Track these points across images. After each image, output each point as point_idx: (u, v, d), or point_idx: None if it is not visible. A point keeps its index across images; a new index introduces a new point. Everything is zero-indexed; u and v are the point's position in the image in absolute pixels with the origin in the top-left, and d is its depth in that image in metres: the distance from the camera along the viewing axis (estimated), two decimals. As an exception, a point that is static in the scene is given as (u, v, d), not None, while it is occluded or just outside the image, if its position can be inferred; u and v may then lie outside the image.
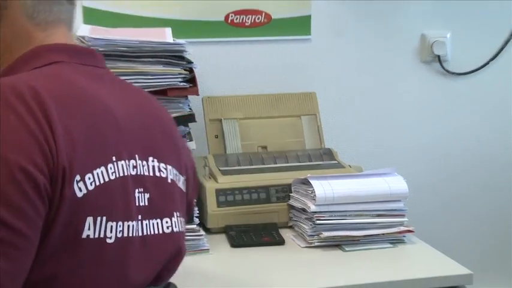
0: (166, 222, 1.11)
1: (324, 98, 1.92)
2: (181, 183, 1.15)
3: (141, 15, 1.85)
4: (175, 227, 1.12)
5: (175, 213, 1.13)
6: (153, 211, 1.09)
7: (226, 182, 1.68)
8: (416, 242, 1.65)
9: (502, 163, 2.19)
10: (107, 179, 0.99)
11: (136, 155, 1.08)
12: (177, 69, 1.59)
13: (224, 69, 1.92)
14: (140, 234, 1.06)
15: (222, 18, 1.89)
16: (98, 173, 0.98)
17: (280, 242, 1.58)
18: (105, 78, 1.13)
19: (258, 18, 1.92)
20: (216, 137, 1.85)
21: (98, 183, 0.98)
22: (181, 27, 1.83)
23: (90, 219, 0.97)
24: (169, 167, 1.14)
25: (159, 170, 1.12)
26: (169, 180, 1.11)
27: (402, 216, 1.61)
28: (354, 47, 2.03)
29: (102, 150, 1.01)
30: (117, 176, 1.02)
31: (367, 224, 1.58)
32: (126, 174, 1.03)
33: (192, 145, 1.66)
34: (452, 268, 1.49)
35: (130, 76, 1.57)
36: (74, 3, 1.18)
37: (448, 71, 2.03)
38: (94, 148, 0.99)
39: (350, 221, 1.58)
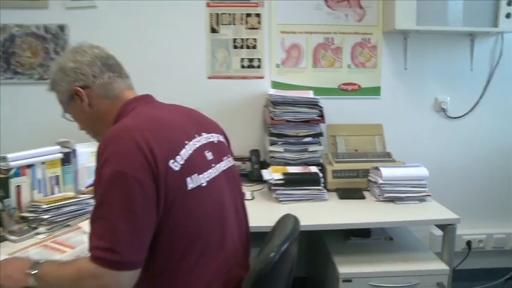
0: (225, 161, 1.51)
1: (386, 127, 2.76)
2: (222, 138, 1.56)
3: (299, 84, 2.75)
4: (230, 162, 1.54)
5: (226, 156, 1.53)
6: (216, 159, 1.47)
7: (337, 166, 2.45)
8: (431, 201, 2.27)
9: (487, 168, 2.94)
10: (188, 154, 1.35)
11: (196, 134, 1.44)
12: (315, 110, 2.47)
13: (336, 112, 2.73)
14: (217, 173, 1.44)
15: (336, 86, 2.80)
16: (181, 153, 1.33)
17: (363, 197, 2.30)
18: (160, 106, 1.53)
19: (354, 86, 2.80)
20: (333, 144, 2.65)
21: (185, 158, 1.33)
22: (317, 90, 2.72)
23: (188, 179, 1.33)
24: (213, 134, 1.52)
25: (209, 138, 1.49)
26: (215, 141, 1.51)
27: (424, 187, 2.27)
28: (396, 102, 2.85)
29: (178, 141, 1.36)
30: (192, 150, 1.37)
31: (407, 190, 2.24)
32: (196, 147, 1.40)
33: (320, 147, 2.48)
34: (447, 213, 2.12)
35: (292, 113, 2.44)
36: (123, 77, 1.55)
37: (448, 116, 2.91)
38: (173, 142, 1.34)
39: (398, 188, 2.24)
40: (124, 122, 1.38)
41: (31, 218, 1.93)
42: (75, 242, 1.80)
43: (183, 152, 1.33)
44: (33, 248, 1.76)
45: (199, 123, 1.51)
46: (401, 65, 2.80)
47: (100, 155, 1.27)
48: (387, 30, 2.70)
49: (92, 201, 2.01)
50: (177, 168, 1.29)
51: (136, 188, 1.21)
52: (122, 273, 1.23)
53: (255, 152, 2.66)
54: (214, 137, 1.51)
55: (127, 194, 1.22)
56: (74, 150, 2.23)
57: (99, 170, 1.26)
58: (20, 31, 2.76)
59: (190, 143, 1.38)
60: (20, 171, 1.98)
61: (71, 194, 2.14)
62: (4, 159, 1.94)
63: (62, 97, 1.56)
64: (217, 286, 1.38)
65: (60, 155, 2.15)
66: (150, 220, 1.25)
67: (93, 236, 1.25)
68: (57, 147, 2.16)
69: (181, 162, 1.31)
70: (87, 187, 2.27)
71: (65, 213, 1.97)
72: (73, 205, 2.01)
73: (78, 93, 1.49)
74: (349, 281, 1.99)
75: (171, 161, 1.29)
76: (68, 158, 2.19)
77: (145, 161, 1.24)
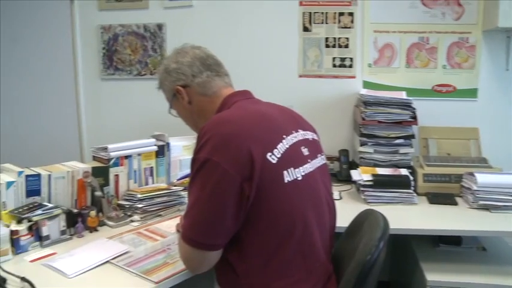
0: (319, 158, 1.54)
1: (482, 131, 2.62)
2: (315, 137, 1.58)
3: (391, 85, 2.70)
4: (323, 160, 1.56)
5: (320, 153, 1.55)
6: (311, 155, 1.48)
7: (428, 169, 2.36)
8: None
9: None
10: (285, 148, 1.37)
11: (293, 130, 1.46)
12: (407, 112, 2.41)
13: (429, 114, 2.64)
14: (312, 169, 1.46)
15: (430, 87, 2.73)
16: (279, 147, 1.36)
17: (455, 203, 2.19)
18: (258, 101, 1.57)
19: (449, 88, 2.73)
20: (424, 146, 2.58)
21: (281, 152, 1.36)
22: (409, 91, 2.64)
23: (285, 172, 1.36)
24: (308, 132, 1.54)
25: (305, 135, 1.50)
26: (310, 139, 1.53)
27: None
28: (494, 105, 2.69)
29: (276, 135, 1.39)
30: (289, 144, 1.40)
31: (505, 199, 2.11)
32: (292, 142, 1.42)
33: (411, 149, 2.41)
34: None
35: (384, 114, 2.40)
36: (221, 75, 1.61)
37: None
38: (271, 135, 1.37)
39: (495, 196, 2.12)
40: (225, 113, 1.45)
41: (127, 206, 2.03)
42: (166, 232, 1.88)
43: (280, 145, 1.36)
44: (128, 234, 1.86)
45: (296, 120, 1.55)
46: (502, 66, 2.65)
47: (198, 142, 1.35)
48: (488, 28, 2.57)
49: (183, 194, 2.15)
50: (274, 161, 1.32)
51: (221, 178, 1.27)
52: (201, 252, 1.35)
53: (344, 152, 2.64)
54: (309, 135, 1.53)
55: (211, 182, 1.28)
56: (168, 144, 2.32)
57: (195, 155, 1.34)
58: (122, 30, 2.93)
59: (288, 137, 1.41)
60: (118, 161, 2.09)
61: (164, 185, 2.22)
62: (105, 149, 2.06)
63: (167, 95, 1.68)
64: (310, 278, 1.40)
65: (155, 148, 2.24)
66: (229, 209, 1.29)
67: (184, 213, 1.39)
68: (153, 140, 2.25)
69: (278, 156, 1.34)
70: (178, 179, 2.35)
71: (158, 204, 2.06)
72: (165, 196, 2.09)
73: (179, 92, 1.60)
74: (437, 289, 1.94)
75: (269, 153, 1.32)
76: (162, 151, 2.28)
77: (238, 154, 1.28)
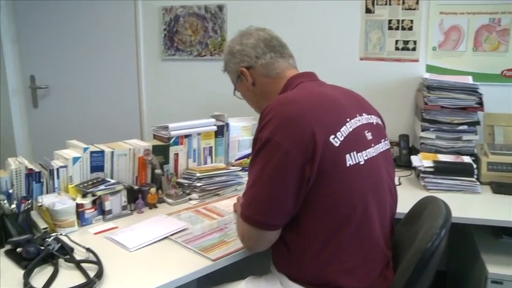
0: (383, 143, 1.51)
1: None
2: (379, 121, 1.56)
3: (456, 69, 2.62)
4: (387, 145, 1.54)
5: (384, 138, 1.53)
6: (375, 140, 1.46)
7: (493, 158, 2.26)
8: None
9: None
10: (348, 132, 1.36)
11: (357, 114, 1.44)
12: (473, 97, 2.33)
13: (497, 101, 2.52)
14: (375, 153, 1.44)
15: (499, 72, 2.60)
16: (342, 130, 1.35)
17: None
18: (323, 83, 1.56)
19: None
20: (490, 134, 2.48)
21: (345, 135, 1.35)
22: (476, 76, 2.55)
23: (347, 156, 1.34)
24: (372, 116, 1.52)
25: (369, 119, 1.49)
26: (374, 123, 1.51)
27: None
28: None
29: (340, 118, 1.37)
30: (352, 128, 1.38)
31: None
32: (356, 125, 1.40)
33: (476, 137, 2.32)
34: None
35: (448, 99, 2.32)
36: (285, 57, 1.61)
37: None
38: (335, 118, 1.36)
39: None
40: (289, 94, 1.45)
41: (185, 184, 2.06)
42: (223, 210, 1.90)
43: (343, 128, 1.35)
44: (186, 211, 1.89)
45: (360, 103, 1.53)
46: None
47: (260, 121, 1.35)
48: None
49: (241, 174, 2.16)
50: (336, 144, 1.31)
51: (283, 159, 1.26)
52: (260, 231, 1.36)
53: (404, 137, 2.58)
54: (374, 119, 1.51)
55: (273, 162, 1.28)
56: (227, 124, 2.33)
57: (257, 134, 1.34)
58: (183, 11, 2.97)
59: (352, 121, 1.39)
60: (178, 140, 2.12)
61: (222, 165, 2.24)
62: (166, 128, 2.10)
63: (232, 77, 1.70)
64: (366, 265, 1.39)
65: (214, 128, 2.26)
66: (289, 190, 1.29)
67: (245, 192, 1.40)
68: (212, 120, 2.27)
69: (341, 139, 1.32)
70: (236, 160, 2.37)
71: (216, 183, 2.08)
72: (223, 176, 2.10)
73: (243, 74, 1.61)
74: (499, 283, 1.85)
75: (332, 136, 1.31)
76: (221, 131, 2.29)
77: (301, 135, 1.27)
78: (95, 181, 1.82)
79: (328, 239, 1.33)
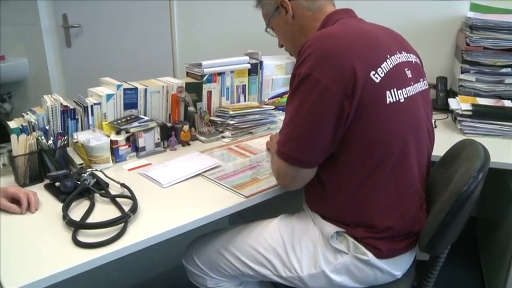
0: (421, 82, 1.49)
1: None
2: (418, 61, 1.53)
3: (504, 7, 2.44)
4: (425, 85, 1.51)
5: (422, 78, 1.50)
6: (414, 78, 1.44)
7: None
8: None
9: None
10: (388, 68, 1.33)
11: (397, 51, 1.42)
12: None
13: None
14: (414, 92, 1.42)
15: None
16: (382, 66, 1.32)
17: None
18: (362, 20, 1.52)
19: None
20: None
21: (385, 71, 1.32)
22: None
23: (388, 92, 1.32)
24: (411, 55, 1.49)
25: (408, 57, 1.46)
26: (413, 62, 1.48)
27: None
28: None
29: (380, 54, 1.34)
30: (393, 65, 1.35)
31: None
32: (396, 62, 1.37)
33: None
34: None
35: (492, 39, 2.21)
36: None
37: None
38: (375, 54, 1.33)
39: None
40: (329, 29, 1.40)
41: (219, 122, 2.06)
42: (256, 149, 1.90)
43: (384, 65, 1.31)
44: (219, 149, 1.90)
45: (399, 41, 1.48)
46: None
47: (299, 56, 1.31)
48: None
49: (274, 113, 2.15)
50: (377, 81, 1.28)
51: (322, 95, 1.23)
52: (296, 169, 1.34)
53: (442, 79, 2.49)
54: (413, 58, 1.47)
55: (311, 98, 1.25)
56: (261, 62, 2.30)
57: (295, 71, 1.30)
58: None
59: (392, 57, 1.36)
60: (211, 77, 2.10)
61: (255, 103, 2.23)
62: (199, 66, 2.07)
63: (267, 10, 1.62)
64: (401, 205, 1.38)
65: (248, 65, 2.23)
66: (327, 127, 1.26)
67: (281, 129, 1.38)
68: (246, 58, 2.24)
69: (382, 75, 1.29)
70: (270, 99, 2.35)
71: (249, 121, 2.07)
72: (256, 114, 2.09)
73: (284, 4, 1.54)
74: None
75: (372, 72, 1.28)
76: (254, 69, 2.26)
77: (341, 70, 1.24)
78: (128, 118, 1.82)
79: (364, 179, 1.32)
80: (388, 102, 1.30)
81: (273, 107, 2.20)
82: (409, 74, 1.40)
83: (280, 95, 2.38)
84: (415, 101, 1.39)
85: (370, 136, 1.29)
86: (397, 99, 1.32)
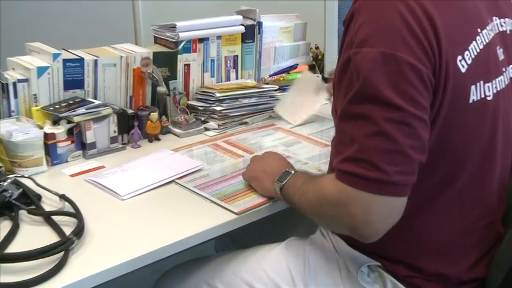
0: None
1: None
2: None
3: None
4: None
5: None
6: (507, 60, 1.40)
7: None
8: None
9: None
10: (478, 50, 1.28)
11: (489, 19, 1.36)
12: None
13: None
14: (507, 82, 1.38)
15: None
16: (471, 48, 1.27)
17: None
18: None
19: None
20: None
21: (473, 55, 1.27)
22: None
23: (473, 87, 1.27)
24: (506, 20, 1.42)
25: (501, 25, 1.40)
26: (508, 31, 1.42)
27: None
28: None
29: (470, 28, 1.29)
30: (483, 44, 1.30)
31: None
32: (488, 39, 1.32)
33: None
34: None
35: None
36: None
37: None
38: (464, 28, 1.28)
39: None
40: None
41: (200, 108, 2.06)
42: (254, 145, 1.90)
43: (473, 45, 1.25)
44: (201, 146, 1.90)
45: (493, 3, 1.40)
46: None
47: (351, 30, 1.24)
48: None
49: (277, 95, 2.15)
50: (463, 70, 1.22)
51: (411, 75, 1.17)
52: (379, 199, 1.19)
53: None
54: (508, 24, 1.41)
55: (398, 82, 1.17)
56: (259, 24, 2.29)
57: (350, 51, 1.22)
58: None
59: (483, 32, 1.30)
60: (190, 45, 2.09)
61: (251, 82, 2.22)
62: (172, 28, 2.06)
63: None
64: (467, 242, 1.37)
65: (241, 28, 2.21)
66: (425, 122, 1.19)
67: (340, 143, 1.25)
68: (238, 18, 2.23)
69: (469, 62, 1.23)
70: (271, 75, 2.33)
71: (243, 107, 2.07)
72: (253, 97, 2.09)
73: None
74: None
75: (459, 57, 1.22)
76: (250, 33, 2.25)
77: (424, 42, 1.17)
78: (71, 102, 1.80)
79: (418, 204, 1.27)
80: (471, 101, 1.24)
81: (276, 87, 2.19)
82: (501, 54, 1.34)
83: (287, 70, 2.35)
84: (506, 96, 1.34)
85: (437, 147, 1.24)
86: (483, 95, 1.27)
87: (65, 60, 1.83)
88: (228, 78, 2.25)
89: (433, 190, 1.29)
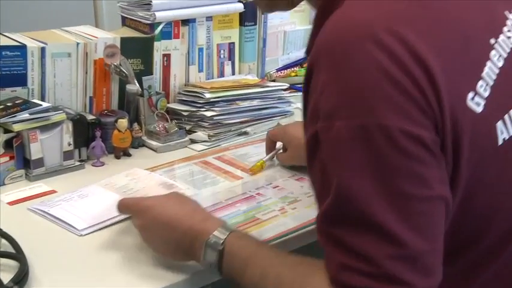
0: None
1: None
2: None
3: None
4: None
5: None
6: None
7: None
8: None
9: None
10: (496, 71, 1.25)
11: (506, 20, 1.34)
12: None
13: None
14: None
15: None
16: (486, 74, 1.23)
17: None
18: None
19: None
20: None
21: (491, 82, 1.23)
22: None
23: (498, 124, 1.24)
24: None
25: None
26: None
27: None
28: None
29: (479, 50, 1.26)
30: (504, 57, 1.28)
31: None
32: (506, 52, 1.29)
33: None
34: None
35: None
36: None
37: None
38: (472, 57, 1.24)
39: None
40: (351, 11, 1.23)
41: (185, 113, 2.07)
42: (255, 163, 1.90)
43: (488, 69, 1.20)
44: (185, 163, 1.92)
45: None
46: None
47: (312, 91, 1.19)
48: None
49: (287, 96, 2.13)
50: (479, 109, 1.17)
51: (411, 149, 1.11)
52: None
53: None
54: None
55: (397, 163, 1.11)
56: (261, 1, 2.32)
57: (317, 125, 1.17)
58: None
59: (500, 39, 1.26)
60: (170, 29, 2.12)
61: (253, 79, 2.24)
62: (147, 6, 2.07)
63: None
64: None
65: (239, 6, 2.24)
66: (442, 203, 1.16)
67: (333, 244, 1.18)
68: (235, -6, 2.27)
69: (486, 94, 1.18)
70: (279, 69, 2.37)
71: (241, 112, 2.08)
72: (256, 99, 2.10)
73: None
74: None
75: (470, 94, 1.16)
76: (251, 13, 2.28)
77: (416, 97, 1.10)
78: (9, 104, 1.79)
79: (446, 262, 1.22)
80: (501, 141, 1.21)
81: (286, 85, 2.20)
82: None
83: (300, 63, 2.39)
84: None
85: (471, 211, 1.22)
86: None
87: (1, 48, 1.82)
88: (221, 74, 2.26)
89: (463, 242, 1.26)
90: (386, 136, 1.09)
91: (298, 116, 2.17)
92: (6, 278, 1.32)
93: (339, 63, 1.14)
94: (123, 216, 1.57)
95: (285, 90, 2.18)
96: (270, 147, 1.94)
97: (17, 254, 1.40)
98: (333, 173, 1.14)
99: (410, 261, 1.11)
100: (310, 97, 1.19)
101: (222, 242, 1.34)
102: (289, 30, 2.41)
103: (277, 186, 1.77)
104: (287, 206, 1.67)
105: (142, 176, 1.80)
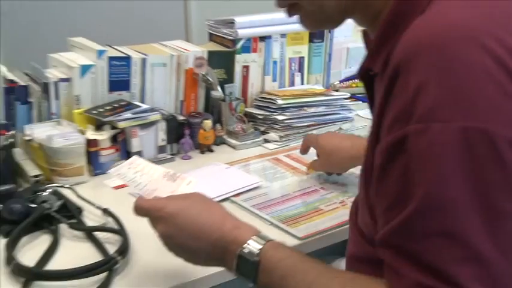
0: None
1: None
2: None
3: None
4: None
5: None
6: None
7: None
8: None
9: None
10: None
11: None
12: None
13: None
14: None
15: None
16: None
17: None
18: None
19: None
20: None
21: None
22: None
23: None
24: None
25: None
26: None
27: None
28: None
29: None
30: None
31: None
32: None
33: None
34: None
35: None
36: None
37: None
38: None
39: None
40: (446, 12, 1.06)
41: (260, 116, 2.09)
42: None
43: None
44: (259, 160, 1.93)
45: None
46: None
47: (398, 94, 1.01)
48: None
49: (349, 104, 2.16)
50: None
51: None
52: None
53: None
54: None
55: (498, 176, 0.97)
56: (330, 21, 2.30)
57: (406, 127, 1.00)
58: None
59: None
60: (250, 44, 2.14)
61: (319, 88, 2.24)
62: (230, 24, 2.10)
63: None
64: None
65: None
66: None
67: (406, 260, 1.00)
68: (306, 14, 2.25)
69: None
70: (342, 81, 2.36)
71: (309, 117, 2.09)
72: (321, 106, 2.11)
73: None
74: None
75: None
76: (319, 32, 2.27)
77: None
78: (116, 105, 1.85)
79: None
80: None
81: (348, 95, 2.21)
82: None
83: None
84: None
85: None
86: None
87: (111, 58, 1.88)
88: (292, 83, 2.28)
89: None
90: (490, 144, 0.94)
91: (358, 122, 2.20)
92: (111, 249, 1.35)
93: (440, 63, 0.97)
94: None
95: (346, 99, 2.20)
96: (304, 149, 1.85)
97: (120, 230, 1.44)
98: (421, 180, 0.97)
99: (490, 282, 0.96)
100: (393, 100, 1.01)
101: (257, 253, 1.18)
102: (352, 47, 2.42)
103: (337, 183, 1.76)
104: (347, 200, 1.66)
105: (224, 167, 1.83)
